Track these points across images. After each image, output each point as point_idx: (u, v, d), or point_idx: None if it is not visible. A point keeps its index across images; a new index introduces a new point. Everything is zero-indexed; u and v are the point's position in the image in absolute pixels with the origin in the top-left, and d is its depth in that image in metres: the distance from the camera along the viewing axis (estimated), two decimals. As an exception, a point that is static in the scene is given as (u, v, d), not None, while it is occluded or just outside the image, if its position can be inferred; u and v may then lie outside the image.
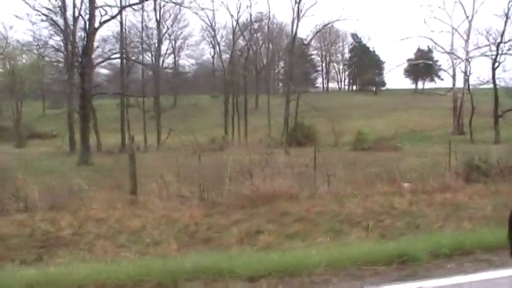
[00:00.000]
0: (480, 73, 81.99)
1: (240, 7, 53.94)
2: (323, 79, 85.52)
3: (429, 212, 9.63)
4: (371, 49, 72.96)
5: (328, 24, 46.55)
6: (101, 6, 22.24)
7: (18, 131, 36.49)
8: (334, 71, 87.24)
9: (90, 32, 22.26)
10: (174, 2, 30.53)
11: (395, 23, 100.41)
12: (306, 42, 55.81)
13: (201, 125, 48.06)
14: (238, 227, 8.88)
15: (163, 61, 59.08)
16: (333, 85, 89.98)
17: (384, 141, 33.02)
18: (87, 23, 22.65)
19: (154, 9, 37.28)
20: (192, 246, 7.81)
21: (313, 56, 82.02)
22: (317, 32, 47.96)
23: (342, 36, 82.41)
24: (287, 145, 36.87)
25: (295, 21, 40.45)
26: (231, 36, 45.38)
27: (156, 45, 42.38)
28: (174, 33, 55.44)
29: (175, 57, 59.85)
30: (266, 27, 44.98)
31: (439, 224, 8.81)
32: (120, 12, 25.06)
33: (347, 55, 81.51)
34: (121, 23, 35.40)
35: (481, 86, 41.72)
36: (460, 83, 43.20)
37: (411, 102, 62.04)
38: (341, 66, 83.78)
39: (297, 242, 7.96)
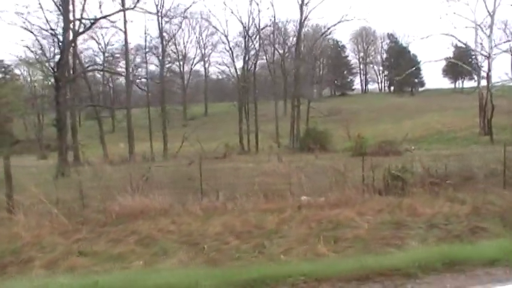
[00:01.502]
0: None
1: (251, 13, 52.47)
2: (361, 81, 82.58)
3: (294, 232, 8.19)
4: (407, 49, 69.23)
5: (337, 23, 44.02)
6: (78, 19, 22.08)
7: (40, 143, 37.14)
8: (373, 72, 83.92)
9: (65, 45, 21.99)
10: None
11: (427, 21, 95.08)
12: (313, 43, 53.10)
13: (226, 132, 47.46)
14: (68, 247, 7.95)
15: (191, 68, 59.41)
16: (373, 87, 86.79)
17: (394, 144, 30.54)
18: (62, 36, 22.27)
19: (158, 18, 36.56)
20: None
21: (349, 58, 79.33)
22: (322, 34, 45.30)
23: (380, 37, 79.22)
24: (299, 151, 35.71)
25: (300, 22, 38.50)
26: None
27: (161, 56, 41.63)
28: (202, 41, 55.42)
29: (204, 64, 59.76)
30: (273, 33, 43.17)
31: (286, 247, 7.42)
32: (91, 25, 24.53)
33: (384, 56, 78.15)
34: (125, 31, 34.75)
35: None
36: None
37: (447, 103, 58.36)
38: (380, 68, 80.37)
39: (109, 265, 7.09)
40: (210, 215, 9.34)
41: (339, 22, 43.02)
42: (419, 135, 43.21)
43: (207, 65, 60.91)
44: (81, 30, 23.55)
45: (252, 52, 41.03)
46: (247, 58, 41.26)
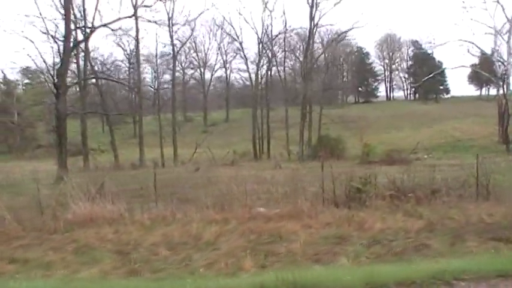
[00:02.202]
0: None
1: (264, 21, 52.03)
2: (386, 88, 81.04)
3: (230, 245, 7.94)
4: (432, 56, 67.52)
5: (348, 30, 43.14)
6: (79, 27, 22.34)
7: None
8: (399, 79, 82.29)
9: (65, 53, 22.29)
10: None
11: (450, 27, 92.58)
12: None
13: (243, 138, 47.27)
14: (3, 253, 8.02)
15: (211, 75, 59.65)
16: (399, 94, 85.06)
17: (403, 153, 29.66)
18: (63, 44, 22.59)
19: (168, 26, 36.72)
20: None
21: (373, 65, 77.99)
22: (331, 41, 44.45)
23: (405, 44, 77.67)
24: (310, 158, 35.11)
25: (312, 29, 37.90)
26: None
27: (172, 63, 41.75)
28: (223, 47, 55.49)
29: (226, 71, 59.87)
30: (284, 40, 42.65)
31: (212, 260, 7.21)
32: (90, 34, 24.83)
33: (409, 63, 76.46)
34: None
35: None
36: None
37: (470, 110, 56.52)
38: (405, 75, 78.73)
39: (34, 273, 7.02)
40: (155, 225, 9.16)
41: (350, 29, 41.96)
42: (436, 143, 41.99)
43: (228, 72, 60.98)
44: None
45: (267, 59, 40.67)
46: (261, 65, 41.02)
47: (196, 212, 9.67)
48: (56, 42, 23.33)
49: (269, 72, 42.69)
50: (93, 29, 24.41)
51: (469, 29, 65.85)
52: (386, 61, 79.41)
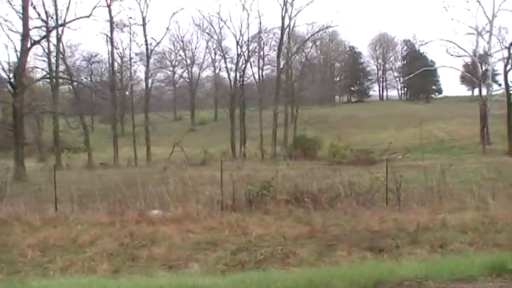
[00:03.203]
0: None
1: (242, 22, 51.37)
2: (380, 87, 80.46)
3: (100, 248, 7.78)
4: (424, 55, 66.79)
5: (326, 27, 42.69)
6: (37, 27, 22.20)
7: (39, 146, 37.19)
8: (393, 78, 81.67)
9: (22, 52, 22.09)
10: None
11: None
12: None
13: (228, 138, 46.87)
14: None
15: (199, 74, 59.35)
16: (393, 93, 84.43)
17: (372, 153, 29.33)
18: (20, 43, 22.39)
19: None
20: None
21: (366, 65, 77.44)
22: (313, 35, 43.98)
23: (399, 43, 77.06)
24: (284, 158, 34.79)
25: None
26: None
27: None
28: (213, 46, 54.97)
29: (215, 70, 59.46)
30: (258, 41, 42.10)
31: (71, 263, 7.16)
32: (47, 34, 24.56)
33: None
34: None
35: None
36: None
37: (459, 111, 55.92)
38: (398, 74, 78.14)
39: None
40: (44, 226, 9.02)
41: (324, 28, 41.59)
42: (418, 143, 41.43)
43: (217, 71, 60.56)
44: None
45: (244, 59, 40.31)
46: (240, 65, 40.70)
47: (93, 214, 9.44)
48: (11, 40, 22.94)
49: (244, 72, 42.16)
50: (51, 28, 24.15)
51: (451, 29, 65.03)
52: (380, 60, 78.74)
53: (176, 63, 62.17)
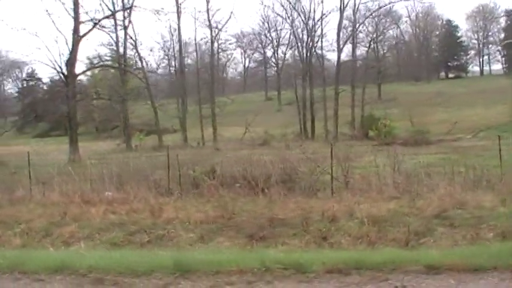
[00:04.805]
0: None
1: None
2: (480, 62, 73.02)
3: (32, 225, 8.55)
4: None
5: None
6: (88, 20, 23.92)
7: (125, 129, 38.99)
8: (498, 52, 73.55)
9: (74, 42, 23.91)
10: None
11: None
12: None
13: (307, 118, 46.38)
14: None
15: (284, 54, 58.87)
16: (498, 67, 76.14)
17: (428, 134, 27.20)
18: (72, 37, 24.27)
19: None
20: None
21: (463, 38, 70.66)
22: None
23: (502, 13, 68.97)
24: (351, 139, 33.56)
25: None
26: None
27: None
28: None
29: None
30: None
31: None
32: (93, 28, 25.99)
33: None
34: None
35: None
36: None
37: None
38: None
39: None
40: (9, 206, 10.06)
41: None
42: (502, 121, 37.22)
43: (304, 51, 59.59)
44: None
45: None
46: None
47: (52, 195, 10.35)
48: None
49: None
50: (98, 21, 25.89)
51: None
52: (481, 33, 71.27)
53: (267, 44, 62.59)
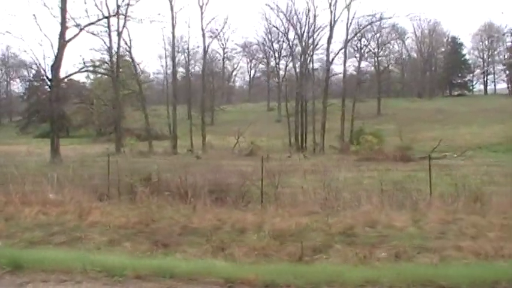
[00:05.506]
0: None
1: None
2: (484, 81, 72.67)
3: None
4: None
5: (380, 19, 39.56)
6: (75, 25, 24.41)
7: (117, 133, 39.19)
8: (502, 72, 73.20)
9: (60, 46, 24.34)
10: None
11: None
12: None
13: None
14: None
15: (286, 64, 59.19)
16: (502, 86, 75.71)
17: (411, 150, 27.24)
18: (58, 41, 24.56)
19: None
20: None
21: (467, 56, 70.52)
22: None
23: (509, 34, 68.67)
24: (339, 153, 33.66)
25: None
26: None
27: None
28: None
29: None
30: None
31: None
32: (79, 33, 26.37)
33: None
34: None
35: None
36: None
37: None
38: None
39: None
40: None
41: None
42: (494, 141, 37.10)
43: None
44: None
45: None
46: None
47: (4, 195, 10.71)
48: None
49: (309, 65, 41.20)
50: (83, 27, 26.35)
51: None
52: (485, 53, 71.05)
53: (270, 55, 63.09)
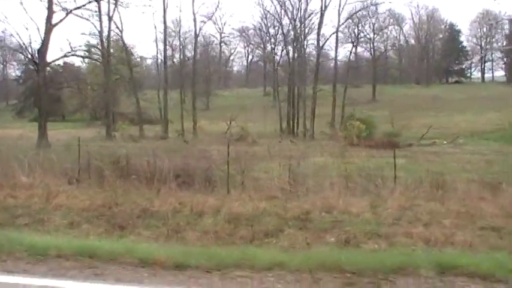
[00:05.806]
0: None
1: None
2: (481, 68, 72.33)
3: None
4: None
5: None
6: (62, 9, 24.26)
7: (108, 117, 39.10)
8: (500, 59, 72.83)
9: (47, 30, 24.28)
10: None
11: None
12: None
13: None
14: None
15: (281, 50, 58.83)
16: (501, 74, 75.45)
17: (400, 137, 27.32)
18: (45, 25, 24.43)
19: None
20: None
21: (465, 43, 70.14)
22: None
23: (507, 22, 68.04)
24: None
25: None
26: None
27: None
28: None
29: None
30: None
31: None
32: (66, 16, 26.16)
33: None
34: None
35: None
36: None
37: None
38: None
39: None
40: None
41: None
42: (488, 129, 37.14)
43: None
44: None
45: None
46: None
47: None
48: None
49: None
50: (70, 11, 26.18)
51: None
52: (483, 40, 70.60)
53: (266, 40, 62.72)
